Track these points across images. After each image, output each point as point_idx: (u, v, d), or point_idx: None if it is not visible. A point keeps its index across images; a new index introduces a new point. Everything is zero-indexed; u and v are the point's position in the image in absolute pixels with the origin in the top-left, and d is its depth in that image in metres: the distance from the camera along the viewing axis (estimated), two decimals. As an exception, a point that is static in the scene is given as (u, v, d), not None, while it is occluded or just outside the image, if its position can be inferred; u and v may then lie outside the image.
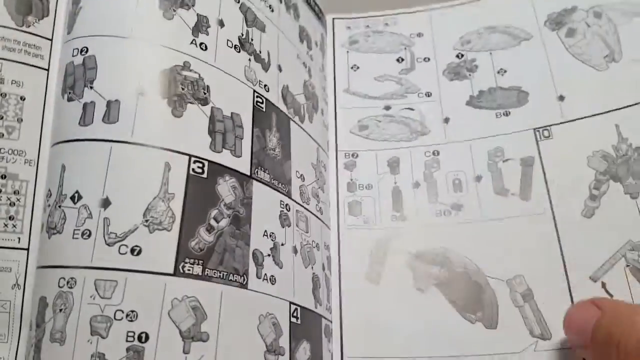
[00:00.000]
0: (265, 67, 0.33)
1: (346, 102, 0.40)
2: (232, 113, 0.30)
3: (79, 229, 0.25)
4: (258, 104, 0.32)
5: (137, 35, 0.28)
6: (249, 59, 0.32)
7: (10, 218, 0.26)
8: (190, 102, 0.28)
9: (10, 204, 0.26)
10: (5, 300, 0.25)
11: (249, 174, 0.30)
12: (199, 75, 0.29)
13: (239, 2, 0.33)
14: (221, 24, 0.31)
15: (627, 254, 0.32)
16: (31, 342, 0.24)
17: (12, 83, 0.27)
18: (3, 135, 0.27)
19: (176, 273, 0.25)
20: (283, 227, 0.31)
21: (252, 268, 0.28)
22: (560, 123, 0.36)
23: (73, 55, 0.28)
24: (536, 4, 0.40)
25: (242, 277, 0.27)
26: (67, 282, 0.24)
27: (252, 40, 0.33)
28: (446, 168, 0.37)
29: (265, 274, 0.29)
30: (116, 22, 0.28)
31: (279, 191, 0.31)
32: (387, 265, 0.35)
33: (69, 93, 0.27)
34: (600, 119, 0.35)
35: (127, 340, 0.23)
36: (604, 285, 0.32)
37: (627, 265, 0.32)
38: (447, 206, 0.36)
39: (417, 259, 0.35)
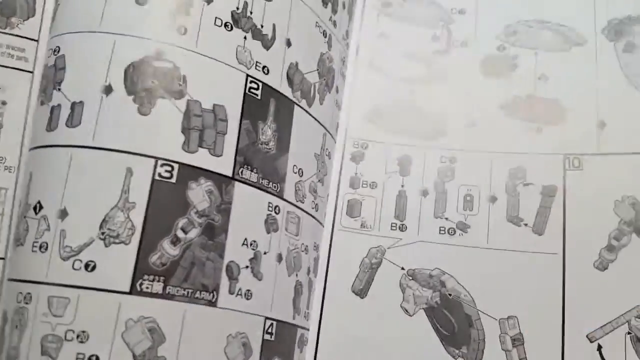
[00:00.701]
0: (267, 44, 0.29)
1: (367, 79, 0.36)
2: (214, 105, 0.26)
3: (37, 242, 0.23)
4: (251, 90, 0.28)
5: (106, 27, 0.25)
6: (244, 37, 0.28)
7: (-12, 227, 0.25)
8: (162, 97, 0.25)
9: (-12, 211, 0.25)
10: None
11: (231, 175, 0.27)
12: (174, 64, 0.25)
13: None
14: (208, 0, 0.27)
15: (632, 320, 0.28)
16: None
17: None
18: (-19, 141, 0.26)
19: (132, 291, 0.23)
20: (269, 233, 0.28)
21: (224, 283, 0.26)
22: (594, 154, 0.32)
23: (48, 57, 0.26)
24: (598, 3, 0.34)
25: (211, 294, 0.25)
26: (24, 298, 0.23)
27: (251, 13, 0.29)
28: (460, 180, 0.33)
29: (240, 289, 0.26)
30: (86, 15, 0.25)
31: (268, 192, 0.28)
32: (376, 279, 0.32)
33: (42, 96, 0.26)
34: (639, 160, 0.31)
35: (75, 363, 0.22)
36: (599, 348, 0.29)
37: (629, 333, 0.28)
38: (453, 224, 0.32)
39: (409, 278, 0.32)
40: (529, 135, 0.33)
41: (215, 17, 0.27)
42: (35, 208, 0.24)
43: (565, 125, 0.33)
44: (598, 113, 0.32)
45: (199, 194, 0.25)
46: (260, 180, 0.28)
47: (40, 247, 0.23)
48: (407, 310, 0.32)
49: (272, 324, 0.27)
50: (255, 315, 0.27)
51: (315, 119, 0.32)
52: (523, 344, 0.30)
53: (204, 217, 0.25)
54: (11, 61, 0.27)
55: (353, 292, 0.32)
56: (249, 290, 0.26)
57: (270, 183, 0.28)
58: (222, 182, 0.26)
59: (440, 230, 0.33)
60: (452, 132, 0.34)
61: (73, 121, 0.24)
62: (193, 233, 0.25)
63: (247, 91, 0.28)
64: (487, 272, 0.31)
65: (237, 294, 0.26)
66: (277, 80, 0.29)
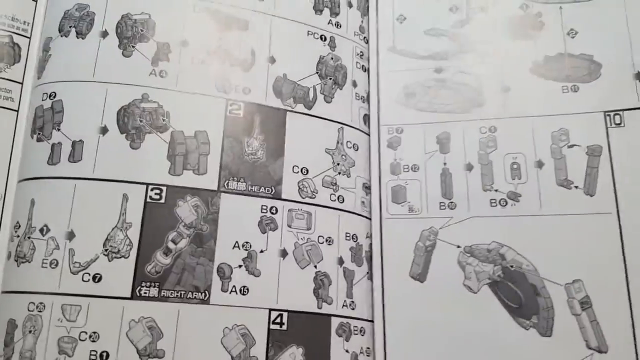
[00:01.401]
0: (247, 67, 0.32)
1: (390, 64, 0.36)
2: (195, 132, 0.31)
3: (47, 259, 0.29)
4: (232, 112, 0.32)
5: (98, 77, 0.31)
6: (221, 68, 0.32)
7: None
8: (149, 132, 0.30)
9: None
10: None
11: (216, 188, 0.30)
12: (158, 103, 0.30)
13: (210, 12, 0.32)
14: (184, 44, 0.31)
15: None
16: (-1, 361, 0.30)
17: None
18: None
19: (133, 297, 0.28)
20: (265, 233, 0.31)
21: (216, 283, 0.29)
22: (634, 109, 0.31)
23: (42, 99, 0.31)
24: None
25: (203, 294, 0.29)
26: (37, 307, 0.28)
27: (225, 47, 0.32)
28: (504, 149, 0.32)
29: (234, 286, 0.29)
30: (80, 67, 0.31)
31: (259, 196, 0.31)
32: (433, 260, 0.32)
33: (39, 134, 0.31)
34: None
35: (90, 359, 0.28)
36: None
37: None
38: (503, 194, 0.32)
39: (467, 255, 0.31)
40: (566, 95, 0.32)
41: (192, 57, 0.32)
42: (42, 230, 0.29)
43: (601, 80, 0.32)
44: (634, 62, 0.31)
45: (186, 209, 0.30)
46: (250, 188, 0.31)
47: (51, 263, 0.28)
48: (470, 288, 0.31)
49: (280, 315, 0.30)
50: (255, 308, 0.30)
51: (322, 118, 0.34)
52: (591, 306, 0.29)
53: (192, 229, 0.29)
54: (-1, 101, 0.31)
55: (412, 277, 0.32)
56: (244, 287, 0.30)
57: (262, 188, 0.31)
58: (208, 195, 0.30)
59: (491, 202, 0.32)
60: (488, 101, 0.34)
61: (75, 157, 0.30)
62: (182, 243, 0.29)
63: (228, 113, 0.31)
64: (544, 239, 0.31)
65: (231, 291, 0.29)
66: (262, 96, 0.32)
